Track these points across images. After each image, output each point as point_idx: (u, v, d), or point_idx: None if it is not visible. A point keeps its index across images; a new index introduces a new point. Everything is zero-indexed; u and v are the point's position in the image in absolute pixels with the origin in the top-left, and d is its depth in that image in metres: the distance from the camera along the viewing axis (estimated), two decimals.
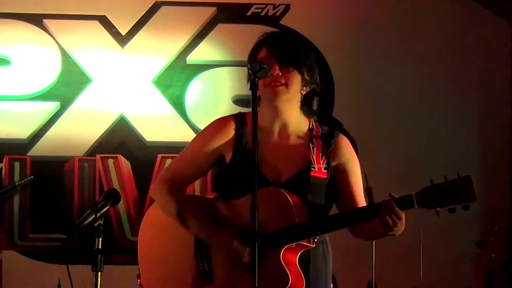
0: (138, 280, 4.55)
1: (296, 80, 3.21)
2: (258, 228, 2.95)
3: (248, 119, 3.30)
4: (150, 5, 6.23)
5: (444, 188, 2.92)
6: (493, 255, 5.42)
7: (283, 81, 3.18)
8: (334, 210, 3.27)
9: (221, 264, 3.15)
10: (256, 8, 6.27)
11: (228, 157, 3.26)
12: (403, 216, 2.98)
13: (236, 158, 3.23)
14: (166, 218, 3.29)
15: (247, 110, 3.28)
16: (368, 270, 5.20)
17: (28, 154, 6.11)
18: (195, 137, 3.39)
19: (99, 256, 3.08)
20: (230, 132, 3.28)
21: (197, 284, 3.18)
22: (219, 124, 3.33)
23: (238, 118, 3.32)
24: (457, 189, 2.91)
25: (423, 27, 6.29)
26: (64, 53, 6.15)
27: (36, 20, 6.15)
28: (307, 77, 3.23)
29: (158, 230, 3.34)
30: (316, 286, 3.18)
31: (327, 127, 3.32)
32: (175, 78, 6.21)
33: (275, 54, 3.19)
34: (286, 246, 3.06)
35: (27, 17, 6.14)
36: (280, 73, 3.17)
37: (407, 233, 5.56)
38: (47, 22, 6.16)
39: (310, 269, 3.16)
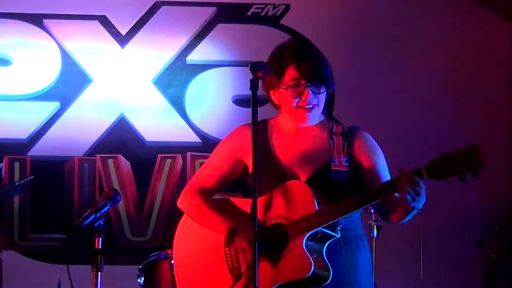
0: (138, 280, 4.55)
1: (324, 97, 3.28)
2: (283, 219, 3.10)
3: (270, 126, 3.36)
4: (150, 5, 6.23)
5: (453, 157, 2.95)
6: (493, 255, 5.40)
7: (314, 103, 3.25)
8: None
9: (247, 261, 3.18)
10: (256, 8, 6.27)
11: (250, 166, 3.32)
12: (424, 185, 3.01)
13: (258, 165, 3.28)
14: (197, 225, 3.37)
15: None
16: None
17: (28, 154, 6.10)
18: (218, 145, 3.47)
19: (99, 256, 3.08)
20: (249, 140, 3.27)
21: (228, 282, 3.23)
22: (238, 132, 3.39)
23: (259, 125, 3.32)
24: (465, 158, 2.94)
25: (423, 27, 6.29)
26: (64, 53, 6.15)
27: (36, 20, 6.14)
28: (330, 90, 3.30)
29: (191, 237, 3.40)
30: (347, 278, 3.21)
31: (347, 126, 3.39)
32: (175, 78, 6.20)
33: (307, 77, 3.21)
34: (308, 235, 3.09)
35: (27, 17, 6.14)
36: (313, 96, 3.23)
37: (407, 233, 5.59)
38: (47, 22, 6.16)
39: (340, 261, 3.18)
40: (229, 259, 3.25)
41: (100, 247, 3.09)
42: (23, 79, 6.11)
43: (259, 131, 3.29)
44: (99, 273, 3.09)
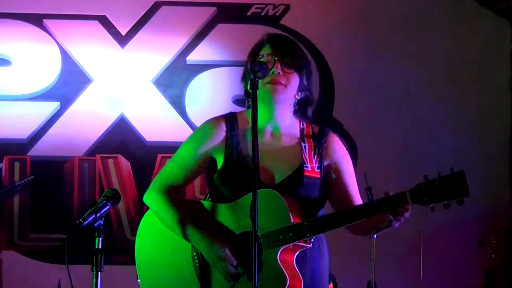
0: (138, 280, 4.55)
1: (294, 82, 3.22)
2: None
3: (239, 120, 3.28)
4: (150, 5, 6.23)
5: (437, 184, 2.94)
6: (493, 255, 5.40)
7: (283, 82, 3.19)
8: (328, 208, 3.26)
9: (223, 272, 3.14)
10: (256, 8, 6.27)
11: (220, 160, 3.24)
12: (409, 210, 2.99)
13: (229, 161, 3.21)
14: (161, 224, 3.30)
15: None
16: (368, 270, 5.20)
17: (28, 154, 6.11)
18: (185, 140, 3.34)
19: (99, 256, 3.07)
20: (220, 134, 3.25)
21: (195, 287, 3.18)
22: (208, 127, 3.29)
23: (228, 119, 3.28)
24: (450, 185, 2.93)
25: (423, 27, 6.29)
26: (64, 53, 6.15)
27: (36, 20, 6.15)
28: (304, 82, 3.24)
29: (155, 235, 3.33)
30: (314, 285, 3.18)
31: (318, 126, 3.31)
32: (175, 78, 6.21)
33: (279, 53, 3.20)
34: (283, 247, 3.05)
35: (27, 17, 6.14)
36: (281, 72, 3.18)
37: (407, 233, 5.59)
38: (47, 22, 6.16)
39: (307, 269, 3.16)
40: (197, 264, 3.20)
41: (100, 247, 3.08)
42: (23, 79, 6.12)
43: (231, 127, 3.25)
44: (99, 273, 3.08)
